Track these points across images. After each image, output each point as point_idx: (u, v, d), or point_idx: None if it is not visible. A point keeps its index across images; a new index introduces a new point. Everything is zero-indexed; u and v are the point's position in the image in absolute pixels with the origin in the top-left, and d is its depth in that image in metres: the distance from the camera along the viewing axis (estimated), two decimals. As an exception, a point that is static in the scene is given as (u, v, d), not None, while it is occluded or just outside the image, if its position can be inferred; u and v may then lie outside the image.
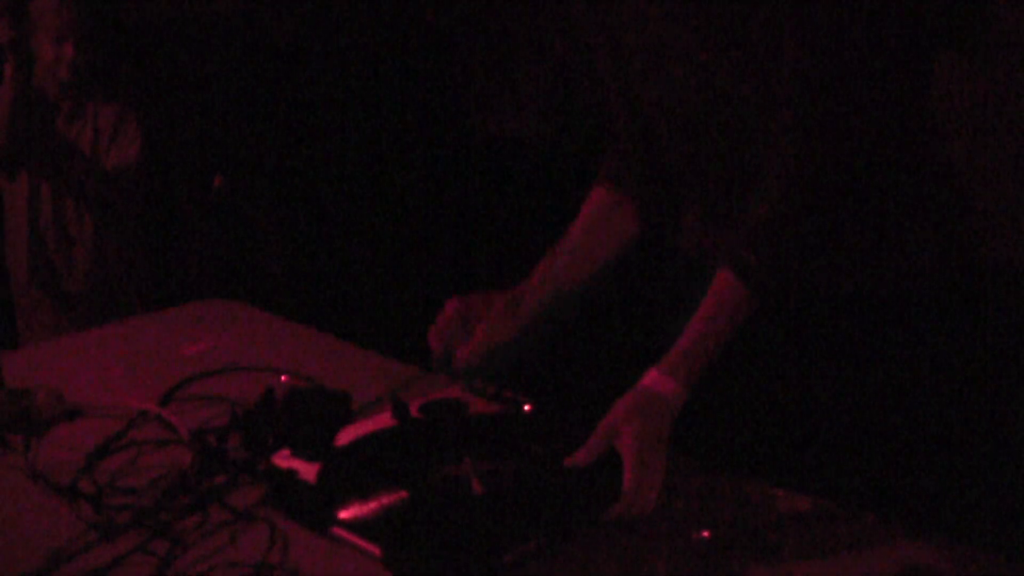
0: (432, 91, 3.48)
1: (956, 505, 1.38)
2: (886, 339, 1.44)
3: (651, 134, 1.52)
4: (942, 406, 1.44)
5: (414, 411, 1.46)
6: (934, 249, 1.43)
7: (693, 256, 1.53)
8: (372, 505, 1.27)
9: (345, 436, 1.41)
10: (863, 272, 1.42)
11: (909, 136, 1.40)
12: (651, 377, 1.34)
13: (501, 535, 1.21)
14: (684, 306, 1.38)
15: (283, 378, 1.70)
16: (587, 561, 1.20)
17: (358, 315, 3.40)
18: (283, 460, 1.33)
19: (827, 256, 1.38)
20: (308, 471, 1.29)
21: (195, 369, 1.75)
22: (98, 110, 3.35)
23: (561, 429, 1.40)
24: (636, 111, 1.52)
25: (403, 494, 1.28)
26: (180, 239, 3.60)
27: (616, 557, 1.21)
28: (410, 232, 3.54)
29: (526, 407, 1.44)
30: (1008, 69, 2.25)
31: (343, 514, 1.25)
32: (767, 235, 1.34)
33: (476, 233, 3.38)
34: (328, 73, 3.53)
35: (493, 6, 3.16)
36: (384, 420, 1.44)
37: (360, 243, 3.60)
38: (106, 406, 1.62)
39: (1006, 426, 1.48)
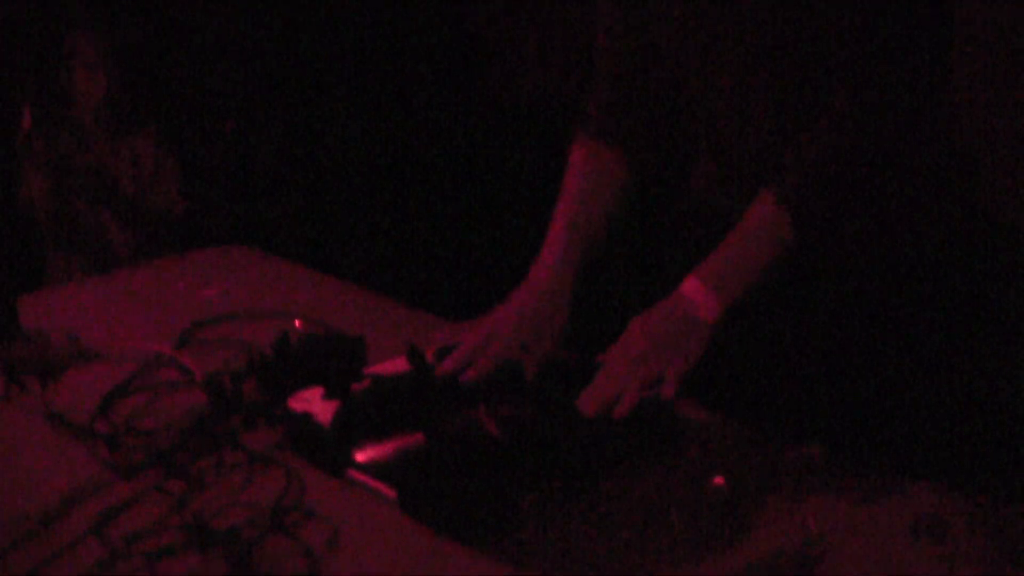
0: (454, 43, 3.47)
1: (968, 456, 1.38)
2: (900, 292, 1.44)
3: (662, 83, 1.50)
4: (955, 360, 1.44)
5: (429, 356, 1.46)
6: (944, 209, 1.42)
7: (703, 201, 1.52)
8: (388, 448, 1.27)
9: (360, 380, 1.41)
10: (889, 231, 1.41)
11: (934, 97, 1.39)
12: (688, 292, 1.34)
13: (517, 480, 1.21)
14: (697, 252, 1.36)
15: (297, 323, 1.70)
16: (601, 507, 1.21)
17: (372, 261, 3.40)
18: (299, 403, 1.33)
19: (867, 209, 1.38)
20: (324, 414, 1.30)
21: (210, 314, 1.76)
22: (136, 145, 3.39)
23: (577, 375, 1.40)
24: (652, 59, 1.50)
25: (419, 437, 1.28)
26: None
27: (630, 504, 1.22)
28: (426, 180, 3.53)
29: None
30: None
31: (359, 457, 1.26)
32: (815, 171, 1.33)
33: (494, 182, 3.37)
34: (350, 23, 3.52)
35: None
36: (400, 365, 1.44)
37: (375, 191, 3.60)
38: (122, 349, 1.63)
39: (1016, 379, 1.48)
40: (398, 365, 1.44)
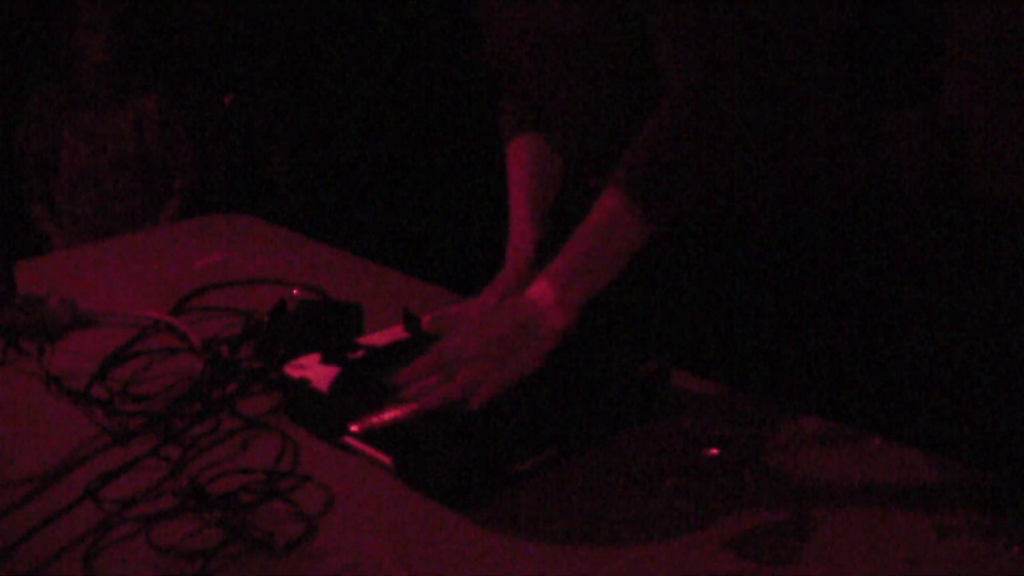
0: (453, 19, 3.46)
1: (961, 427, 1.39)
2: (895, 263, 1.44)
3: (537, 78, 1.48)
4: (949, 329, 1.44)
5: (426, 324, 1.46)
6: (923, 176, 1.41)
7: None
8: (384, 415, 1.27)
9: (357, 348, 1.41)
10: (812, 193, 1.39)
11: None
12: (537, 291, 1.28)
13: (511, 446, 1.21)
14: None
15: (294, 291, 1.70)
16: (596, 476, 1.21)
17: (368, 230, 3.40)
18: (295, 370, 1.33)
19: (736, 174, 1.30)
20: (320, 381, 1.30)
21: (207, 281, 1.76)
22: (141, 105, 3.39)
23: (571, 343, 1.40)
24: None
25: (414, 405, 1.28)
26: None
27: (625, 473, 1.22)
28: (420, 149, 3.53)
29: None
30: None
31: (354, 423, 1.26)
32: (649, 145, 1.25)
33: (483, 149, 3.36)
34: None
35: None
36: (396, 333, 1.45)
37: (371, 159, 3.60)
38: (119, 315, 1.63)
39: (1011, 352, 1.49)
40: (392, 334, 1.44)
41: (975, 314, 1.43)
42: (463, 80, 3.41)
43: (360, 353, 1.38)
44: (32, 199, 3.44)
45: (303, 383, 1.31)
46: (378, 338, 1.43)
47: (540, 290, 1.28)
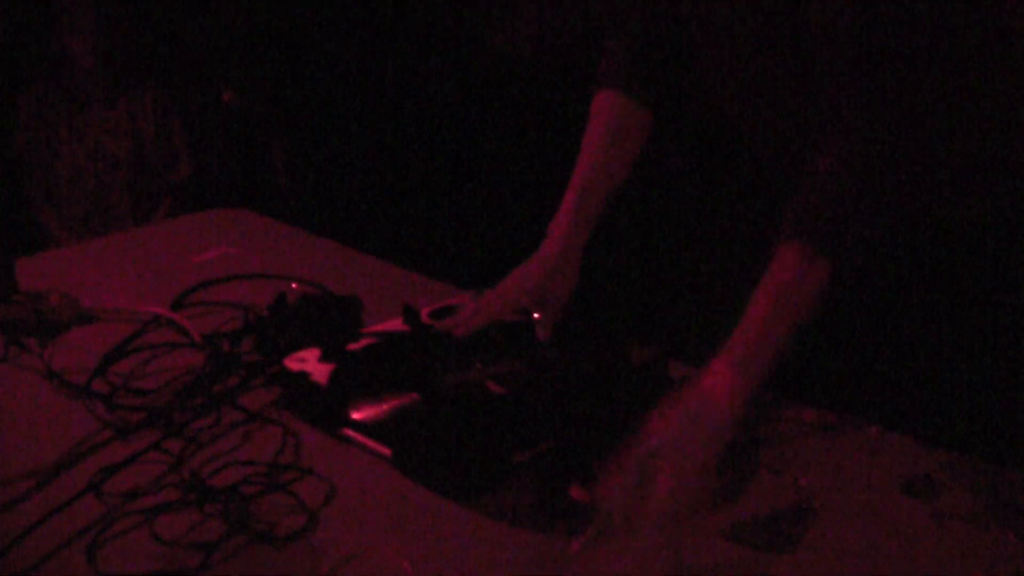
0: (435, 7, 3.46)
1: (957, 418, 1.39)
2: (893, 253, 1.44)
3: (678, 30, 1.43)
4: (951, 317, 1.44)
5: (425, 317, 1.47)
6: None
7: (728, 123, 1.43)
8: (383, 407, 1.28)
9: (357, 341, 1.42)
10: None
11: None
12: (712, 375, 1.12)
13: (509, 438, 1.22)
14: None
15: (293, 285, 1.71)
16: (592, 467, 1.22)
17: (366, 224, 3.41)
18: (295, 363, 1.34)
19: (905, 210, 1.20)
20: (320, 374, 1.31)
21: (207, 276, 1.76)
22: (136, 103, 3.39)
23: (569, 336, 1.41)
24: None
25: (414, 396, 1.29)
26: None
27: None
28: (416, 143, 3.53)
29: (535, 315, 1.45)
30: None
31: (355, 415, 1.27)
32: (832, 190, 1.16)
33: (480, 143, 3.37)
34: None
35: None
36: (395, 326, 1.45)
37: (369, 154, 3.60)
38: (119, 311, 1.63)
39: (1008, 341, 1.49)
40: (391, 328, 1.45)
41: (973, 304, 1.43)
42: (462, 74, 3.41)
43: (359, 346, 1.38)
44: (33, 197, 3.44)
45: (303, 376, 1.31)
46: (377, 332, 1.44)
47: (714, 377, 1.12)
